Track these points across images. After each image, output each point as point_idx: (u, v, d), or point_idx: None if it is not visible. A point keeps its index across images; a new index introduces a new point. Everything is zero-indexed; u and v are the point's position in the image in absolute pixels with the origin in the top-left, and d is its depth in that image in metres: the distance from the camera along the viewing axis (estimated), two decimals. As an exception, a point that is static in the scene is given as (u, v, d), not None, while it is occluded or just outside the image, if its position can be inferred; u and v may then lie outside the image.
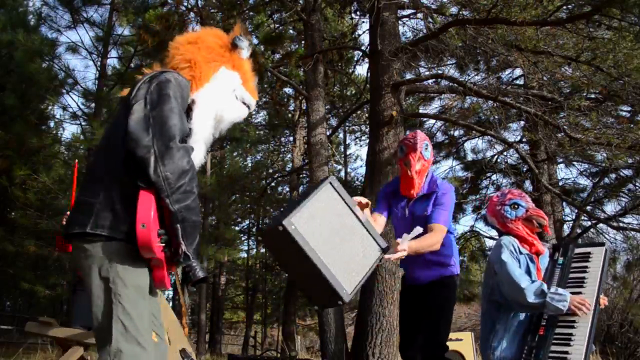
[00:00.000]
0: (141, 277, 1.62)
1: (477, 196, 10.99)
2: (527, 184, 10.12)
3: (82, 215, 1.63)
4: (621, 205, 9.69)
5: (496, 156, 9.95)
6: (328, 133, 9.12)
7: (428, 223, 2.73)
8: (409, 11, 8.24)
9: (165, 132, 1.57)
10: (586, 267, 2.62)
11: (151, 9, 7.41)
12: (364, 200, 2.46)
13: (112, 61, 13.42)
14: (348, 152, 17.85)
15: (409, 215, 2.86)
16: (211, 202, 13.80)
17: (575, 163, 10.20)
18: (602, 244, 2.70)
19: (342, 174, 17.43)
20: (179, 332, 3.35)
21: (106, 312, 1.57)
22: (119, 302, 1.57)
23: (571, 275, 2.62)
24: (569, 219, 10.45)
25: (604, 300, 2.57)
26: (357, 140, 17.66)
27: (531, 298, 2.42)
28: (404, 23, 8.78)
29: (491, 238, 10.87)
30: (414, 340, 2.93)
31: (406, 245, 2.38)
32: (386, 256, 2.24)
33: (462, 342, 5.48)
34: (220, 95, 1.84)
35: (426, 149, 2.83)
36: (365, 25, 9.73)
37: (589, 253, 2.68)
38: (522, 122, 9.33)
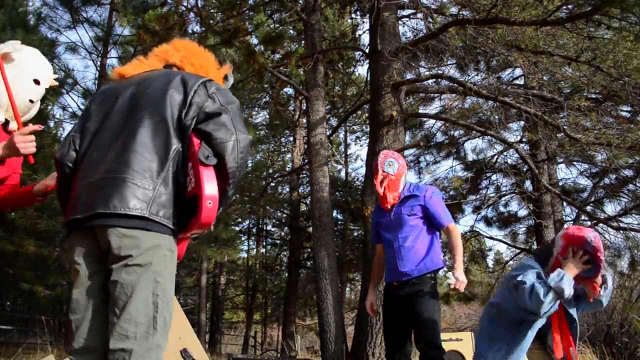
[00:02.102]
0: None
1: (477, 196, 10.98)
2: (527, 184, 10.12)
3: (131, 195, 1.53)
4: (621, 206, 9.69)
5: (496, 156, 9.95)
6: (328, 133, 9.12)
7: (439, 226, 3.14)
8: (409, 11, 8.25)
9: (243, 125, 1.66)
10: None
11: (151, 9, 7.41)
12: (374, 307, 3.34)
13: (112, 61, 13.39)
14: (348, 152, 17.85)
15: (394, 217, 3.17)
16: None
17: (575, 163, 10.20)
18: None
19: (342, 174, 17.45)
20: (186, 328, 3.33)
21: (147, 306, 1.52)
22: (165, 295, 1.56)
23: None
24: (569, 219, 10.45)
25: None
26: (357, 140, 17.67)
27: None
28: (404, 23, 8.79)
29: (491, 238, 10.88)
30: (402, 349, 3.03)
31: (459, 273, 2.91)
32: (460, 289, 2.88)
33: (462, 342, 5.47)
34: None
35: (390, 165, 3.18)
36: (365, 25, 9.73)
37: None
38: (522, 122, 9.33)
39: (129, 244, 1.52)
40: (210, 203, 1.52)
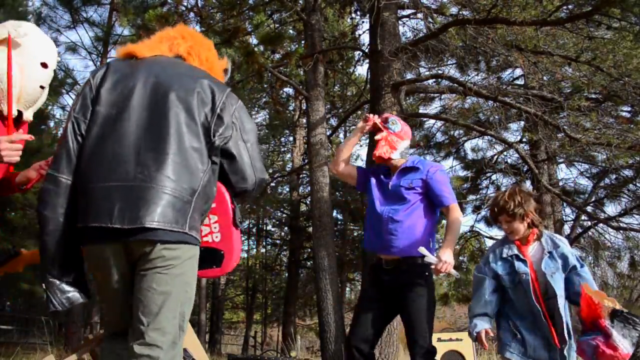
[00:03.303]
0: None
1: (477, 196, 10.98)
2: (527, 184, 10.12)
3: (173, 209, 1.50)
4: (621, 206, 9.69)
5: (496, 156, 9.95)
6: (328, 133, 9.12)
7: (440, 205, 2.81)
8: (409, 11, 8.25)
9: (262, 166, 1.74)
10: None
11: (151, 9, 7.40)
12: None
13: (112, 61, 13.39)
14: (348, 152, 17.80)
15: (391, 189, 2.86)
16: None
17: (575, 163, 10.21)
18: None
19: (342, 174, 17.40)
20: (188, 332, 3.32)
21: (175, 316, 1.52)
22: (189, 305, 1.59)
23: None
24: (569, 219, 10.45)
25: None
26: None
27: None
28: (404, 23, 8.78)
29: (491, 238, 10.87)
30: (370, 338, 2.76)
31: (446, 254, 2.61)
32: (442, 270, 2.58)
33: (462, 342, 5.46)
34: None
35: (393, 123, 2.94)
36: (365, 25, 9.72)
37: None
38: (522, 122, 9.33)
39: (168, 255, 1.51)
40: (234, 264, 1.69)
